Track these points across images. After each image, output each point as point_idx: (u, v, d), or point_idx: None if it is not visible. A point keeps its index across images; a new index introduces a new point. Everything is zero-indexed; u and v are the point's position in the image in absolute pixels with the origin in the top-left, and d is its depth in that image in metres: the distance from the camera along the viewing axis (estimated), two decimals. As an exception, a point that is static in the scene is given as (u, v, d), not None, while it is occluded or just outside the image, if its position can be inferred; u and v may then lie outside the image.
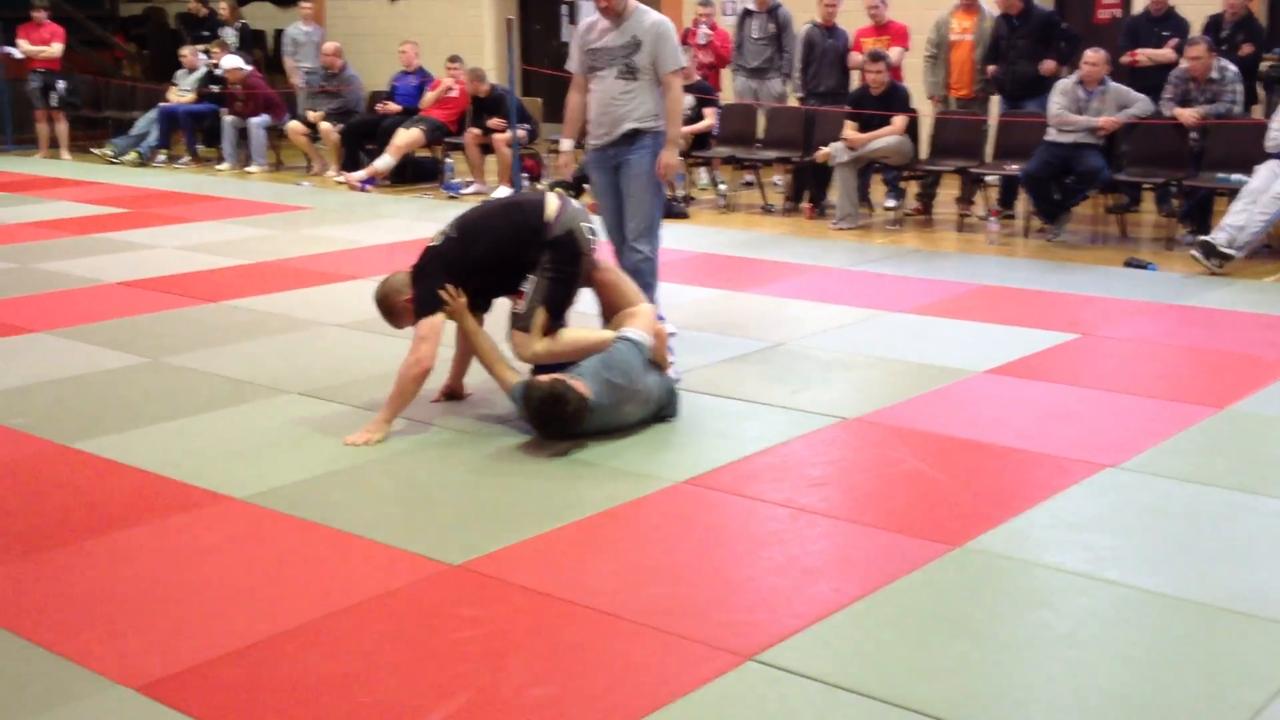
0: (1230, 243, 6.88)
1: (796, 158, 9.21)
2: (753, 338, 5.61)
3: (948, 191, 9.17)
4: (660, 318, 4.78)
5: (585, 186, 8.12)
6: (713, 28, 10.29)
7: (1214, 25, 8.33)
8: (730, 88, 10.23)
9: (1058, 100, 7.83)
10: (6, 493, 3.90)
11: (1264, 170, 7.04)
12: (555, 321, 4.49)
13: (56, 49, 12.74)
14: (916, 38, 9.23)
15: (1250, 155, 7.25)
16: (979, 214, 8.70)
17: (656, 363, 4.44)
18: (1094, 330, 5.67)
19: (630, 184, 5.34)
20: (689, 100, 8.75)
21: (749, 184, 10.04)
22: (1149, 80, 8.10)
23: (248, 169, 11.80)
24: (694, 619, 2.97)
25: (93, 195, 10.26)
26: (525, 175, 10.18)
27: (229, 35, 12.93)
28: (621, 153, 5.34)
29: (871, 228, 8.54)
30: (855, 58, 9.17)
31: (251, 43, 13.29)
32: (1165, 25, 8.54)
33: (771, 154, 9.42)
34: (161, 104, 12.54)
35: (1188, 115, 7.70)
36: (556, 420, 4.12)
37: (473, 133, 10.21)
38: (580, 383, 4.14)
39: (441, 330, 4.40)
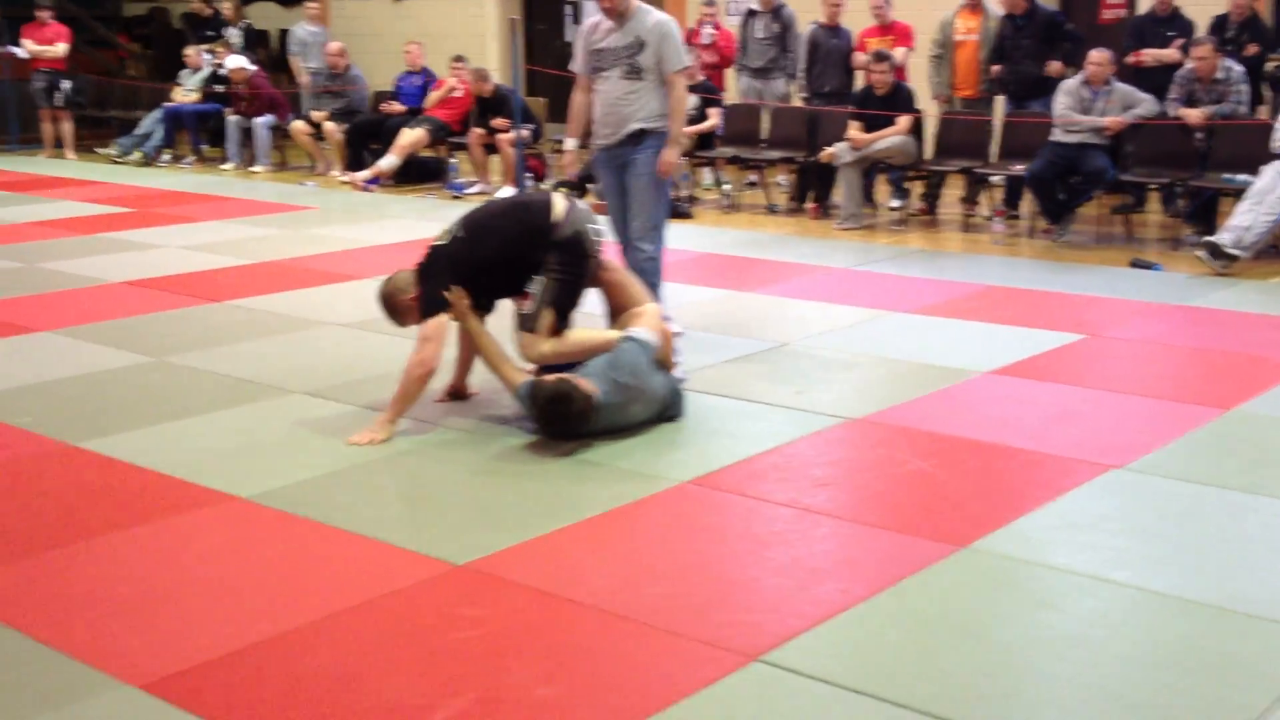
0: (1236, 243, 6.87)
1: (801, 158, 9.20)
2: (757, 338, 5.60)
3: (952, 192, 9.16)
4: (666, 318, 4.78)
5: (588, 186, 8.13)
6: (717, 27, 10.29)
7: (1219, 25, 8.32)
8: (735, 88, 10.22)
9: (1063, 100, 7.82)
10: (12, 492, 3.90)
11: (1269, 171, 7.02)
12: (562, 322, 4.48)
13: (61, 49, 12.76)
14: (921, 38, 9.23)
15: (1256, 155, 7.23)
16: (984, 214, 8.69)
17: (662, 362, 4.44)
18: (1099, 331, 5.66)
19: (635, 183, 5.35)
20: (693, 100, 8.74)
21: (753, 184, 10.03)
22: (1154, 80, 8.08)
23: (252, 169, 11.81)
24: (699, 619, 2.97)
25: (97, 195, 10.27)
26: (529, 175, 10.18)
27: (233, 35, 12.94)
28: (628, 153, 5.34)
29: (876, 228, 8.53)
30: (859, 58, 9.16)
31: (255, 42, 13.30)
32: (1170, 25, 8.53)
33: (776, 154, 9.41)
34: (166, 104, 12.56)
35: (1193, 116, 7.69)
36: (563, 419, 4.12)
37: (477, 133, 10.21)
38: (587, 382, 4.14)
39: (446, 331, 4.40)
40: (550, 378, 4.19)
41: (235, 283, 6.84)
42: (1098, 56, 7.72)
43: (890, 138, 8.37)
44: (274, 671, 2.78)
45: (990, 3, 8.90)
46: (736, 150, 9.56)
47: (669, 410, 4.41)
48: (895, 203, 9.02)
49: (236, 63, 11.88)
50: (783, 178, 10.12)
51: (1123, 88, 7.81)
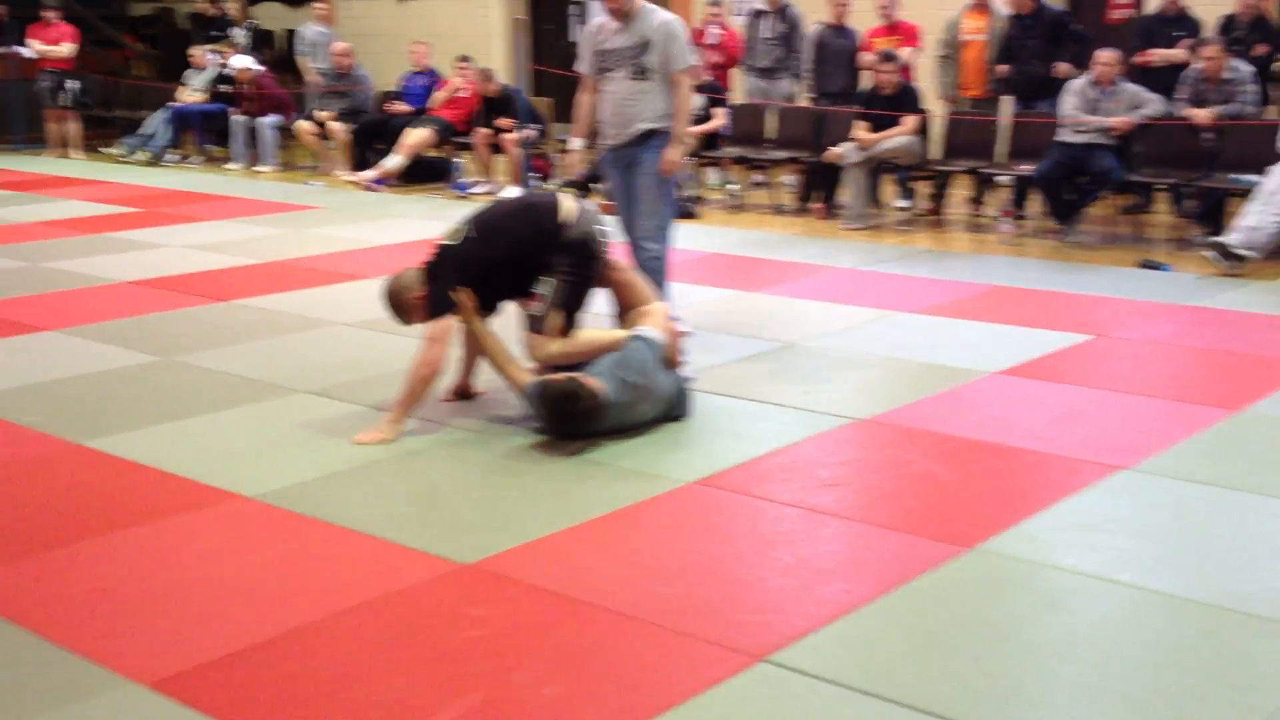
0: (1245, 244, 6.85)
1: (807, 158, 9.19)
2: (764, 338, 5.59)
3: (959, 192, 9.15)
4: (674, 317, 4.77)
5: (593, 186, 8.12)
6: (722, 27, 10.28)
7: (1228, 25, 8.30)
8: (741, 88, 10.21)
9: (1070, 100, 7.80)
10: (18, 490, 3.90)
11: (1278, 171, 7.00)
12: (569, 323, 4.48)
13: (67, 49, 12.77)
14: (928, 37, 9.21)
15: (1264, 156, 7.20)
16: (991, 215, 8.67)
17: (669, 361, 4.42)
18: (1107, 331, 5.64)
19: (641, 182, 5.35)
20: (699, 100, 8.73)
21: (759, 184, 10.02)
22: (1160, 80, 8.06)
23: (257, 169, 11.82)
24: (706, 619, 2.96)
25: (103, 194, 10.28)
26: (535, 175, 10.18)
27: (239, 35, 12.95)
28: (636, 153, 5.34)
29: (882, 228, 8.52)
30: (865, 58, 9.15)
31: (261, 43, 13.31)
32: (1177, 26, 8.51)
33: (782, 154, 9.40)
34: (172, 104, 12.56)
35: (1202, 116, 7.66)
36: (571, 417, 4.11)
37: (482, 133, 10.21)
38: (595, 380, 4.13)
39: (452, 332, 4.39)
40: (558, 376, 4.18)
41: (240, 282, 6.84)
42: (1106, 56, 7.70)
43: (897, 138, 8.35)
44: (279, 670, 2.77)
45: (997, 3, 8.88)
46: (743, 150, 9.55)
47: (675, 410, 4.40)
48: (902, 203, 9.00)
49: (242, 63, 11.88)
50: (789, 178, 10.11)
51: (1130, 88, 7.79)
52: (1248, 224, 6.90)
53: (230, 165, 12.01)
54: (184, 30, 14.88)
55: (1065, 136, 7.80)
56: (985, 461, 4.02)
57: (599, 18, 5.45)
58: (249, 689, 2.70)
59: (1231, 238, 6.92)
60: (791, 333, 5.67)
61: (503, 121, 10.06)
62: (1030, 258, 7.52)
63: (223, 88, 12.31)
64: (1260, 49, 8.15)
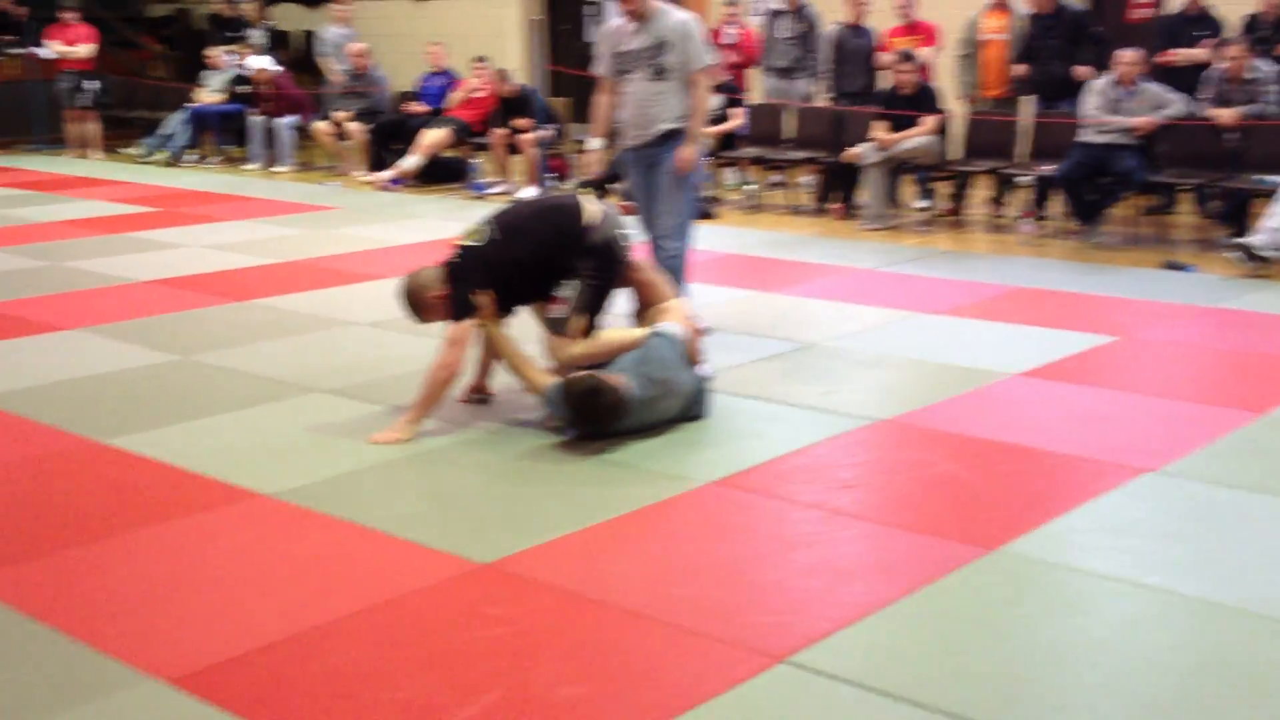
0: (1270, 245, 6.79)
1: (825, 158, 9.16)
2: (783, 338, 5.57)
3: (980, 192, 9.10)
4: (693, 315, 4.76)
5: (610, 186, 8.11)
6: (739, 27, 10.25)
7: (1251, 25, 8.23)
8: (759, 88, 10.18)
9: (1092, 100, 7.75)
10: (40, 488, 3.91)
11: (1302, 172, 6.95)
12: (591, 325, 4.47)
13: (86, 50, 12.82)
14: (947, 37, 9.17)
15: (1287, 156, 7.16)
16: (1012, 215, 8.63)
17: (689, 357, 4.41)
18: (1131, 333, 5.60)
19: (661, 182, 5.34)
20: (716, 100, 8.71)
21: (778, 184, 9.99)
22: (1182, 80, 8.00)
23: (275, 169, 11.85)
24: (725, 620, 2.94)
25: (123, 194, 10.32)
26: (552, 175, 10.17)
27: (256, 36, 12.98)
28: (657, 153, 5.34)
29: (902, 228, 8.48)
30: (884, 57, 9.12)
31: (278, 43, 13.35)
32: (1199, 25, 8.45)
33: (800, 154, 9.37)
34: (191, 104, 12.61)
35: (1226, 116, 7.60)
36: (596, 414, 4.09)
37: (499, 133, 10.21)
38: (618, 377, 4.11)
39: (471, 335, 4.38)
40: (580, 374, 4.16)
41: (259, 282, 6.85)
42: (1128, 56, 7.65)
43: (916, 138, 8.32)
44: (299, 668, 2.77)
45: (1017, 2, 8.84)
46: (761, 150, 9.52)
47: (694, 409, 4.38)
48: (922, 203, 8.96)
49: (259, 63, 11.91)
50: (807, 178, 10.07)
51: (1152, 87, 7.73)
52: (1272, 225, 6.84)
53: (248, 165, 12.05)
54: (201, 31, 14.94)
55: (1087, 137, 7.75)
56: (1007, 463, 3.99)
57: (615, 19, 5.44)
58: (269, 686, 2.70)
59: (1256, 239, 6.86)
60: (810, 333, 5.65)
61: (519, 122, 10.06)
62: (1052, 259, 7.47)
63: (240, 88, 12.34)
64: (1284, 48, 8.09)
